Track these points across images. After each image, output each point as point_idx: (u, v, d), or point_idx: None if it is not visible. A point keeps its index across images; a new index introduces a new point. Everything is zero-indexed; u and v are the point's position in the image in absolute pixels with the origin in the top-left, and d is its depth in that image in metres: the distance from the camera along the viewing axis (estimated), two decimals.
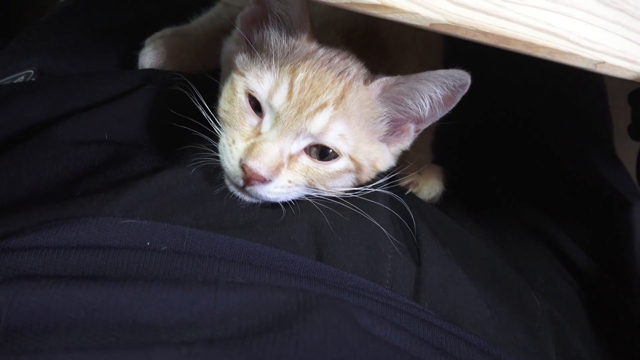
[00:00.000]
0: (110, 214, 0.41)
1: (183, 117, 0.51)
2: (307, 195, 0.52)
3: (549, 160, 0.77)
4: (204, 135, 0.51)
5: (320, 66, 0.51)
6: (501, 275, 0.56)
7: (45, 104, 0.52)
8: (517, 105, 0.81)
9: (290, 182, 0.50)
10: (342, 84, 0.50)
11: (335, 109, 0.49)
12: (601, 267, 0.70)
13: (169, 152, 0.52)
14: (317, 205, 0.49)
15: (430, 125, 0.70)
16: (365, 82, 0.51)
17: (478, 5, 0.43)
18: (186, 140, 0.52)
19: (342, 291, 0.39)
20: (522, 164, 0.77)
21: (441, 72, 0.47)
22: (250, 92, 0.51)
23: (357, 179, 0.54)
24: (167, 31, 0.66)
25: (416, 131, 0.55)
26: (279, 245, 0.44)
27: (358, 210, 0.50)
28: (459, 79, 0.47)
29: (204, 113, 0.52)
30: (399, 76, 0.50)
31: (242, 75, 0.52)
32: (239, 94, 0.51)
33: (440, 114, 0.52)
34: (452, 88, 0.48)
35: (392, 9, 0.41)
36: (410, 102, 0.51)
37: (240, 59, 0.53)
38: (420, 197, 0.64)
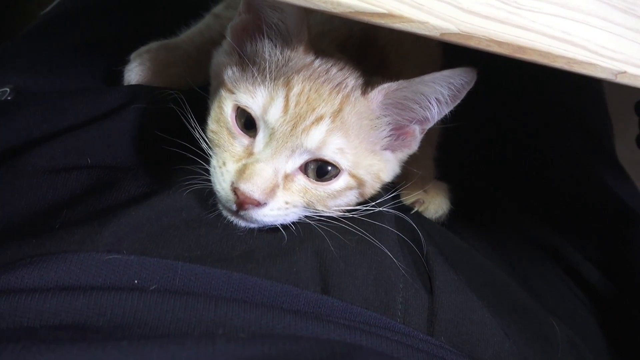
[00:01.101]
0: (93, 248, 0.37)
1: (173, 137, 0.47)
2: (306, 217, 0.48)
3: (556, 174, 0.75)
4: (194, 157, 0.48)
5: (317, 78, 0.48)
6: (516, 300, 0.53)
7: (22, 126, 0.48)
8: (520, 118, 0.79)
9: (287, 203, 0.46)
10: (340, 96, 0.47)
11: (332, 122, 0.46)
12: (613, 284, 0.68)
13: (158, 176, 0.49)
14: (320, 229, 0.46)
15: (432, 141, 0.67)
16: (364, 93, 0.48)
17: (491, 13, 0.40)
18: (176, 162, 0.48)
19: (352, 330, 0.35)
20: (528, 179, 0.75)
21: (446, 72, 0.45)
22: (244, 107, 0.47)
23: (361, 194, 0.51)
24: (154, 45, 0.62)
25: (422, 132, 0.52)
26: (281, 277, 0.40)
27: (364, 233, 0.46)
28: (465, 77, 0.45)
29: (194, 132, 0.48)
30: (401, 81, 0.47)
31: (231, 92, 0.48)
32: (226, 113, 0.48)
33: (446, 111, 0.49)
34: (459, 87, 0.46)
35: (400, 18, 0.38)
36: (416, 106, 0.48)
37: (230, 73, 0.50)
38: (427, 216, 0.61)
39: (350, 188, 0.49)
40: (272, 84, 0.47)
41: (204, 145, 0.48)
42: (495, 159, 0.76)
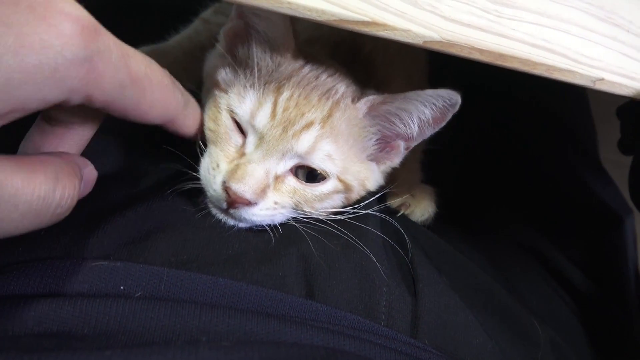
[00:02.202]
0: (79, 255, 0.37)
1: (158, 139, 0.48)
2: (293, 218, 0.49)
3: (539, 177, 0.76)
4: (183, 157, 0.48)
5: (307, 84, 0.48)
6: (500, 302, 0.54)
7: None
8: (505, 123, 0.80)
9: (276, 203, 0.47)
10: (330, 102, 0.48)
11: (322, 127, 0.46)
12: (596, 285, 0.69)
13: (144, 180, 0.49)
14: (305, 233, 0.46)
15: (419, 145, 0.68)
16: (353, 100, 0.49)
17: (472, 21, 0.41)
18: (162, 164, 0.49)
19: (335, 334, 0.35)
20: (512, 182, 0.75)
21: (430, 92, 0.45)
22: (231, 112, 0.48)
23: (347, 199, 0.52)
24: (143, 50, 0.62)
25: (406, 148, 0.53)
26: (267, 282, 0.40)
27: (349, 237, 0.47)
28: (448, 99, 0.45)
29: None
30: (386, 95, 0.48)
31: (225, 92, 0.48)
32: (223, 112, 0.48)
33: (429, 132, 0.50)
34: (442, 108, 0.46)
35: (384, 26, 0.38)
36: (398, 121, 0.49)
37: (223, 74, 0.50)
38: (412, 219, 0.61)
39: (337, 192, 0.50)
40: (262, 89, 0.47)
41: (195, 146, 0.49)
42: (480, 163, 0.77)
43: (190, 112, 0.40)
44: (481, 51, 0.41)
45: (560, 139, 0.79)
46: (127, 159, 0.52)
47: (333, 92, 0.48)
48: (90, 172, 0.33)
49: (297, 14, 0.37)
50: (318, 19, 0.38)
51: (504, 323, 0.51)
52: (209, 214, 0.47)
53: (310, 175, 0.48)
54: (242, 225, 0.47)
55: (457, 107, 0.45)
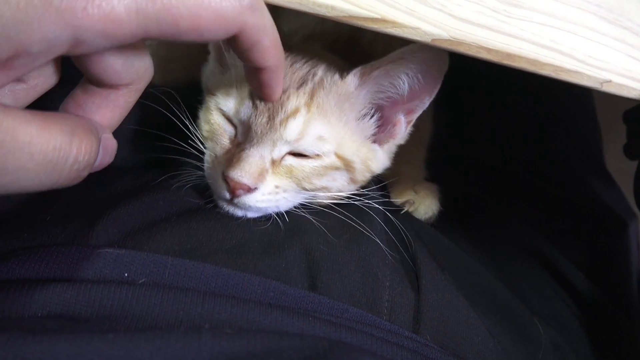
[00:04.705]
0: (85, 242, 0.37)
1: (165, 132, 0.48)
2: (301, 204, 0.49)
3: (544, 179, 0.75)
4: (190, 149, 0.49)
5: None
6: (502, 301, 0.54)
7: None
8: (510, 125, 0.80)
9: (277, 187, 0.48)
10: (309, 85, 0.49)
11: (307, 111, 0.47)
12: (599, 289, 0.69)
13: (149, 171, 0.49)
14: (309, 227, 0.47)
15: (422, 142, 0.68)
16: (342, 76, 0.49)
17: (481, 20, 0.41)
18: (167, 156, 0.49)
19: (337, 327, 0.35)
20: (516, 184, 0.75)
21: (412, 45, 0.45)
22: (220, 110, 0.50)
23: (352, 180, 0.52)
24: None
25: (408, 122, 0.53)
26: (270, 273, 0.40)
27: (352, 231, 0.47)
28: (432, 53, 0.45)
29: (190, 127, 0.50)
30: (373, 62, 0.48)
31: (213, 94, 0.51)
32: (214, 112, 0.50)
33: (425, 95, 0.49)
34: (427, 60, 0.46)
35: (393, 23, 0.39)
36: (388, 85, 0.49)
37: (212, 79, 0.53)
38: (416, 217, 0.61)
39: (337, 168, 0.50)
40: (241, 85, 0.49)
41: (197, 141, 0.50)
42: (485, 164, 0.77)
43: None
44: (489, 50, 0.41)
45: (566, 143, 0.79)
46: (133, 150, 0.53)
47: (311, 76, 0.49)
48: (109, 139, 0.31)
49: (307, 10, 0.38)
50: (328, 14, 0.38)
51: (505, 322, 0.51)
52: (216, 207, 0.48)
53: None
54: (250, 214, 0.48)
55: (446, 62, 0.45)
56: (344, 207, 0.50)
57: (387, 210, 0.52)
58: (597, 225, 0.73)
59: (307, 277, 0.42)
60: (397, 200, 0.60)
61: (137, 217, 0.42)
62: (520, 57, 0.42)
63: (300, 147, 0.48)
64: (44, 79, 0.30)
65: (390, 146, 0.54)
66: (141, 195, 0.44)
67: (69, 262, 0.35)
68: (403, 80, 0.48)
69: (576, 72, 0.43)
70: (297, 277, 0.42)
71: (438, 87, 0.48)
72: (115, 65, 0.29)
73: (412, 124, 0.53)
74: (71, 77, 0.31)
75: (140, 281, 0.35)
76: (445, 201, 0.65)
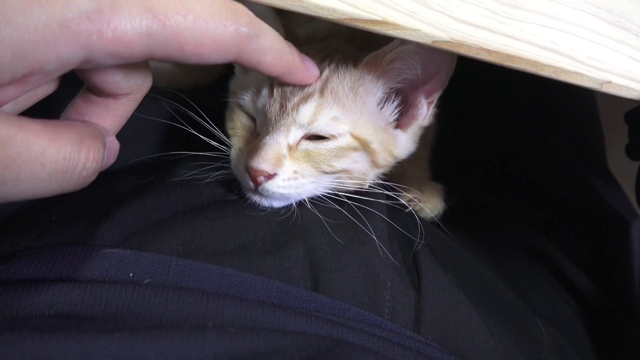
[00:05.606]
0: (90, 242, 0.38)
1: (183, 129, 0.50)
2: (323, 195, 0.51)
3: (546, 180, 0.76)
4: (215, 143, 0.52)
5: None
6: (504, 300, 0.54)
7: None
8: (513, 125, 0.80)
9: (296, 172, 0.49)
10: (325, 72, 0.50)
11: (320, 96, 0.49)
12: (601, 289, 0.69)
13: (154, 171, 0.50)
14: (312, 226, 0.47)
15: (427, 143, 0.69)
16: (356, 65, 0.51)
17: (481, 22, 0.41)
18: (175, 156, 0.50)
19: (339, 326, 0.36)
20: (519, 184, 0.76)
21: None
22: (241, 107, 0.52)
23: (374, 163, 0.53)
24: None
25: (429, 103, 0.53)
26: (273, 273, 0.41)
27: (355, 230, 0.47)
28: None
29: (210, 128, 0.52)
30: (385, 46, 0.49)
31: (235, 94, 0.53)
32: (236, 109, 0.53)
33: (442, 73, 0.49)
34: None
35: (394, 25, 0.39)
36: (404, 67, 0.50)
37: (234, 82, 0.56)
38: (421, 216, 0.62)
39: (354, 149, 0.51)
40: (259, 80, 0.51)
41: (218, 138, 0.52)
42: (488, 164, 0.77)
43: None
44: (489, 52, 0.41)
45: (568, 143, 0.79)
46: (137, 151, 0.53)
47: (326, 62, 0.51)
48: (113, 142, 0.33)
49: (309, 12, 0.38)
50: (329, 17, 0.38)
51: (507, 322, 0.51)
52: (224, 202, 0.49)
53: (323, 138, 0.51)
54: (275, 204, 0.50)
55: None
56: (352, 201, 0.51)
57: (391, 211, 0.52)
58: (599, 226, 0.73)
59: (310, 277, 0.43)
60: (403, 198, 0.61)
61: (142, 217, 0.43)
62: (520, 59, 0.42)
63: (315, 129, 0.49)
64: (46, 87, 0.32)
65: (414, 128, 0.55)
66: (145, 196, 0.45)
67: (75, 262, 0.36)
68: (416, 60, 0.49)
69: (576, 73, 0.43)
70: (299, 277, 0.42)
71: (453, 63, 0.48)
72: (116, 77, 0.31)
73: (433, 105, 0.54)
74: (68, 80, 0.32)
75: (146, 281, 0.35)
76: (449, 202, 0.66)
